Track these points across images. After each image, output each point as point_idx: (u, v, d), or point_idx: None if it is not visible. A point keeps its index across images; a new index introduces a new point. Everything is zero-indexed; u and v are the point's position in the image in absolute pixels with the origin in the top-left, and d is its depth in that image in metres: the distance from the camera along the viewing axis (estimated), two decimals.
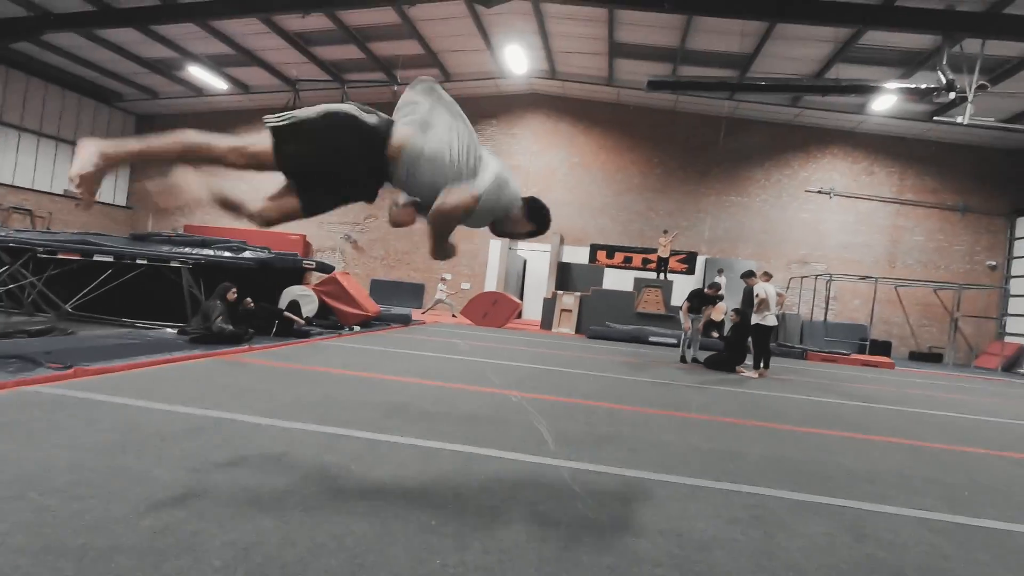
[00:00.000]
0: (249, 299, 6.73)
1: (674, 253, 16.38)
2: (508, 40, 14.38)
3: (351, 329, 8.86)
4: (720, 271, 14.90)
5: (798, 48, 12.54)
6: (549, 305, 14.18)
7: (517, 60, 15.04)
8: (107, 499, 2.04)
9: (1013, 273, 15.92)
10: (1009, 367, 14.81)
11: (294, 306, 7.88)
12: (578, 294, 14.10)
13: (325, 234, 18.97)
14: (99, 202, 19.51)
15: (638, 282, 14.34)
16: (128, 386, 3.85)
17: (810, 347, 13.45)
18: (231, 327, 5.89)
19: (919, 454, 4.05)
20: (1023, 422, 6.13)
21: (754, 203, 17.02)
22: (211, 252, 7.91)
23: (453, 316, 14.81)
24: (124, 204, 20.45)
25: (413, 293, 17.86)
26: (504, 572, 1.81)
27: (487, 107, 18.10)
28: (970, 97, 10.21)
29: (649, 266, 15.68)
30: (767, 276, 8.88)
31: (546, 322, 14.06)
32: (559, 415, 4.25)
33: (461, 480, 2.61)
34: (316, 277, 10.01)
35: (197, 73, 16.83)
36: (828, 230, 16.74)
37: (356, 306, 9.19)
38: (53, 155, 18.11)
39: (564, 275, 16.19)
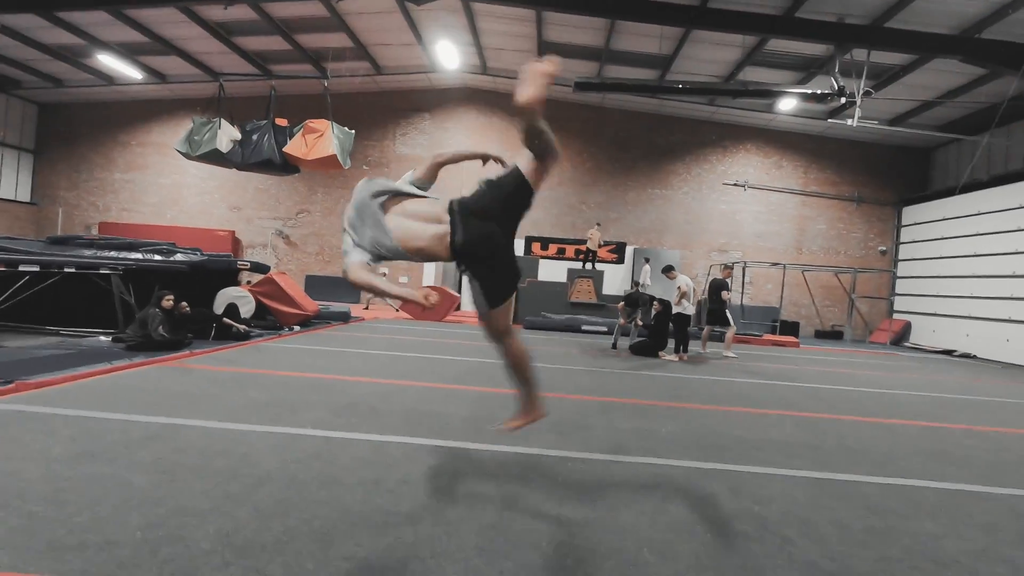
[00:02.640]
0: (184, 303, 6.72)
1: (605, 244, 17.13)
2: (439, 35, 14.50)
3: (290, 329, 8.92)
4: (646, 260, 15.83)
5: (712, 51, 13.43)
6: None
7: (449, 56, 15.19)
8: (91, 503, 2.27)
9: (900, 257, 17.79)
10: (897, 341, 16.61)
11: (232, 309, 7.87)
12: None
13: (255, 230, 18.47)
14: (0, 199, 18.10)
15: (571, 272, 14.98)
16: (76, 397, 3.93)
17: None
18: (169, 334, 5.92)
19: (802, 423, 4.76)
20: (896, 391, 7.12)
21: (677, 195, 18.07)
22: (140, 256, 7.78)
23: (396, 311, 14.94)
24: (28, 200, 19.06)
25: (350, 289, 17.77)
26: (450, 539, 2.20)
27: (420, 101, 18.15)
28: (858, 102, 11.40)
29: (580, 257, 16.33)
30: (727, 270, 10.69)
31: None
32: (499, 406, 4.66)
33: (409, 467, 2.97)
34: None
35: (107, 61, 15.88)
36: (743, 220, 18.03)
37: (294, 306, 9.22)
38: None
39: None
